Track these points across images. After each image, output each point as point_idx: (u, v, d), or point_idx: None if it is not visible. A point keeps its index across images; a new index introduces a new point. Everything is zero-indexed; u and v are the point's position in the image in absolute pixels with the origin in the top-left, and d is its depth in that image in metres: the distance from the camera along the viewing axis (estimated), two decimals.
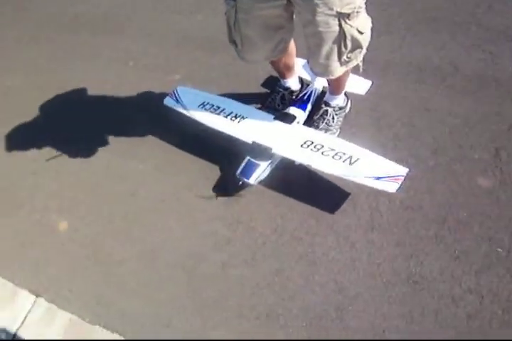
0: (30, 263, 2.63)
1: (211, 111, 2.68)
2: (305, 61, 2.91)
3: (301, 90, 2.94)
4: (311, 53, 2.24)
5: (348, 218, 2.42)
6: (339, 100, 2.76)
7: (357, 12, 2.02)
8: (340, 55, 2.16)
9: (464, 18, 3.18)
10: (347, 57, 2.19)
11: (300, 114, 2.70)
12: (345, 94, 2.80)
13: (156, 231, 2.59)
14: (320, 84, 2.86)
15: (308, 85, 2.91)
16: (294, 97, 2.91)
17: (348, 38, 2.08)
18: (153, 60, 3.52)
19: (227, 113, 2.67)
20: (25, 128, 3.17)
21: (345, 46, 2.12)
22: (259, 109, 2.86)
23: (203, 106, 2.72)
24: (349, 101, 2.82)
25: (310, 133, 2.58)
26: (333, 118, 2.73)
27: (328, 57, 2.17)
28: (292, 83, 2.91)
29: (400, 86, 2.92)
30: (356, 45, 2.15)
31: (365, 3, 2.06)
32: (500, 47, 2.96)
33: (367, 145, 2.44)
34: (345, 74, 2.49)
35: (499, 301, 2.07)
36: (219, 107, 2.70)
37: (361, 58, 2.28)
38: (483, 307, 2.07)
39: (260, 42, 2.31)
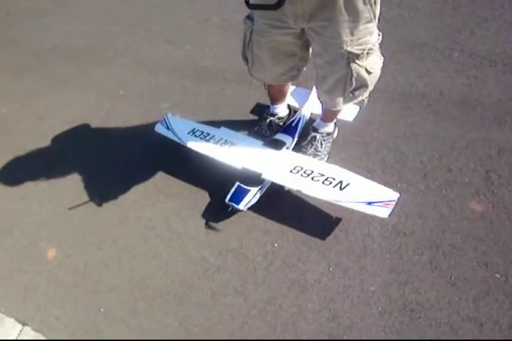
0: (17, 291, 2.39)
1: (201, 138, 2.54)
2: (293, 88, 2.81)
3: (289, 117, 2.78)
4: (318, 82, 2.16)
5: (340, 244, 2.22)
6: (327, 127, 2.61)
7: (367, 53, 1.94)
8: (344, 90, 2.08)
9: (446, 44, 3.07)
10: (351, 93, 2.10)
11: (288, 141, 2.54)
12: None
13: (145, 258, 2.37)
14: (308, 111, 2.71)
15: (296, 112, 2.75)
16: (282, 124, 2.75)
17: (354, 76, 1.98)
18: (144, 89, 3.35)
19: (216, 139, 2.52)
20: (16, 154, 2.96)
21: (350, 84, 2.03)
22: (248, 135, 2.69)
23: (192, 132, 2.58)
24: (336, 127, 2.67)
25: (299, 158, 2.42)
26: (321, 144, 2.57)
27: (332, 90, 2.09)
28: (280, 109, 2.75)
29: (385, 112, 2.77)
30: (361, 84, 2.06)
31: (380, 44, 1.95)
32: (484, 72, 2.84)
33: (355, 170, 2.28)
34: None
35: (500, 329, 1.87)
36: (209, 134, 2.56)
37: (367, 95, 2.18)
38: (484, 335, 1.87)
39: (269, 65, 2.21)
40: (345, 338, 1.96)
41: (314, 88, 2.65)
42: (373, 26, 1.86)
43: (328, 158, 2.57)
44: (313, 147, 2.57)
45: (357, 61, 1.92)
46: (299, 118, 2.67)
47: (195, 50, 3.56)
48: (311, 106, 2.69)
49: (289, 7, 1.83)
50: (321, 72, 2.07)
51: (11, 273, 2.47)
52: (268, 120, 2.75)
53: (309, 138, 2.60)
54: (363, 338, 1.95)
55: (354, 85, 2.02)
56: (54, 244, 2.53)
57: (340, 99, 2.13)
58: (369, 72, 2.00)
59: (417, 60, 3.03)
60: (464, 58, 2.95)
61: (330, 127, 2.62)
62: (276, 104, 2.74)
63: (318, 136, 2.58)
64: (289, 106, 2.83)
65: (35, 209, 2.69)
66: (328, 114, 2.54)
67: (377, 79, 2.10)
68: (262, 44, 2.11)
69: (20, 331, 2.28)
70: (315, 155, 2.55)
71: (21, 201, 2.75)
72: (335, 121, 2.62)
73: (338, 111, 2.48)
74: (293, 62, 2.21)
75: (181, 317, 2.14)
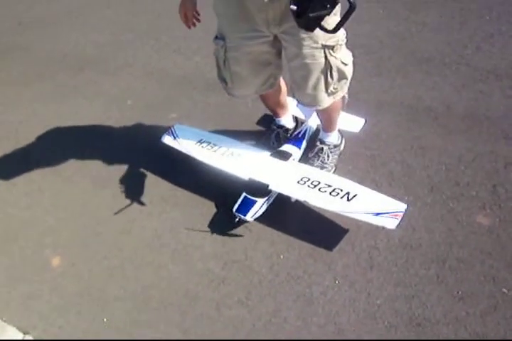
0: (19, 299, 2.35)
1: (208, 149, 2.51)
2: None
3: (295, 128, 2.76)
4: (298, 86, 2.16)
5: (346, 256, 2.17)
6: (333, 138, 2.58)
7: (340, 45, 2.01)
8: (327, 85, 2.11)
9: (453, 59, 3.05)
10: (333, 88, 2.14)
11: (295, 152, 2.51)
12: (339, 131, 2.61)
13: (150, 268, 2.32)
14: (314, 122, 2.68)
15: (302, 124, 2.72)
16: (288, 135, 2.73)
17: (334, 69, 2.05)
18: (152, 99, 3.34)
19: (223, 150, 2.49)
20: (23, 161, 2.96)
21: (332, 77, 2.08)
22: (255, 146, 2.66)
23: (199, 143, 2.54)
24: (343, 139, 2.64)
25: (306, 169, 2.39)
26: (328, 156, 2.54)
27: (315, 87, 2.10)
28: (286, 121, 2.74)
29: (392, 125, 2.74)
30: (341, 76, 2.12)
31: (346, 38, 2.02)
32: (490, 86, 2.82)
33: (362, 183, 2.25)
34: (335, 111, 2.41)
35: None
36: (215, 144, 2.53)
37: (346, 89, 2.23)
38: None
39: (250, 78, 2.22)
40: None
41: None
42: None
43: (335, 170, 2.54)
44: (320, 159, 2.54)
45: (333, 53, 1.99)
46: (306, 130, 2.65)
47: (204, 61, 3.56)
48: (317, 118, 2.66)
49: (259, 15, 1.88)
50: (301, 73, 2.08)
51: (15, 281, 2.43)
52: (275, 131, 2.73)
53: (316, 150, 2.58)
54: None
55: (336, 78, 2.07)
56: (59, 252, 2.49)
57: (324, 96, 2.14)
58: (345, 64, 2.07)
59: (424, 74, 3.01)
60: (471, 72, 2.93)
61: (334, 137, 2.59)
62: (279, 117, 2.73)
63: (325, 147, 2.56)
64: (295, 118, 2.81)
65: (40, 218, 2.66)
66: (325, 122, 2.53)
67: (352, 71, 2.15)
68: (239, 59, 2.13)
69: (22, 339, 2.23)
70: (322, 167, 2.52)
71: (27, 209, 2.73)
72: (337, 130, 2.59)
73: (333, 119, 2.48)
74: (270, 70, 2.24)
75: (185, 329, 2.09)
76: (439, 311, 1.93)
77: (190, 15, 2.11)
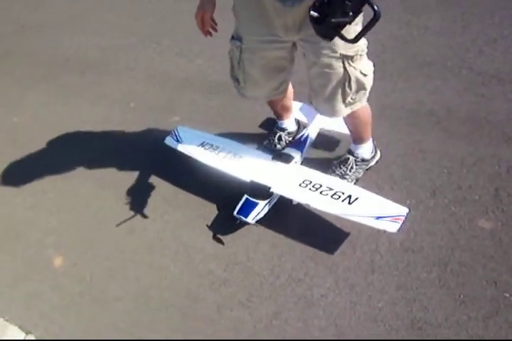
0: (22, 299, 2.35)
1: (210, 151, 2.50)
2: (301, 104, 2.78)
3: (297, 132, 2.75)
4: (315, 94, 2.10)
5: (348, 259, 2.16)
6: (364, 151, 2.48)
7: (360, 55, 1.93)
8: (344, 96, 2.03)
9: (455, 62, 3.03)
10: (351, 99, 2.06)
11: (297, 155, 2.48)
12: (375, 146, 2.53)
13: (151, 270, 2.32)
14: (316, 126, 2.64)
15: (305, 127, 2.69)
16: (291, 138, 2.72)
17: (353, 79, 1.97)
18: (154, 102, 3.34)
19: (225, 152, 2.48)
20: (27, 163, 2.96)
21: (350, 87, 2.00)
22: (257, 149, 2.66)
23: (202, 145, 2.53)
24: (377, 154, 2.55)
25: (308, 172, 2.36)
26: (351, 168, 2.45)
27: (332, 97, 2.03)
28: (289, 124, 2.73)
29: (393, 128, 2.72)
30: (360, 87, 2.03)
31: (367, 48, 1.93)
32: (492, 90, 2.79)
33: (364, 187, 2.24)
34: (361, 122, 2.32)
35: None
36: (218, 147, 2.52)
37: (365, 100, 2.15)
38: None
39: (262, 82, 2.19)
40: None
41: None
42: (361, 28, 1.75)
43: (355, 182, 2.46)
44: (343, 169, 2.46)
45: (352, 64, 1.91)
46: (308, 133, 2.62)
47: (207, 64, 3.57)
48: (320, 121, 2.63)
49: (278, 20, 1.83)
50: (319, 82, 2.02)
51: (17, 281, 2.44)
52: (278, 134, 2.72)
53: (342, 159, 2.51)
54: None
55: (354, 88, 2.00)
56: (61, 252, 2.50)
57: (341, 106, 2.07)
58: (364, 75, 1.99)
59: (426, 78, 2.99)
60: (473, 76, 2.91)
61: (366, 151, 2.49)
62: (282, 120, 2.71)
63: (351, 159, 2.47)
64: (298, 121, 2.80)
65: (43, 218, 2.67)
66: (353, 133, 2.44)
67: (371, 82, 2.07)
68: (254, 62, 2.09)
69: (24, 338, 2.24)
70: (342, 177, 2.44)
71: (30, 209, 2.74)
72: (373, 144, 2.49)
73: (361, 129, 2.37)
74: (283, 76, 2.21)
75: (185, 330, 2.08)
76: (440, 315, 1.92)
77: (207, 18, 2.03)
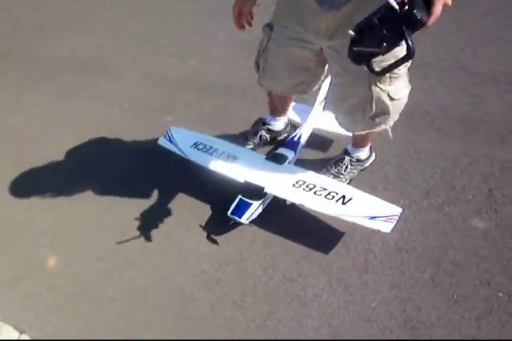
0: (16, 299, 2.32)
1: (203, 151, 2.49)
2: (294, 104, 2.75)
3: (291, 132, 2.72)
4: (335, 104, 2.05)
5: (341, 259, 2.15)
6: (360, 153, 2.48)
7: (391, 77, 1.77)
8: (363, 115, 1.91)
9: (450, 63, 3.04)
10: (372, 119, 1.93)
11: (291, 155, 2.46)
12: (371, 148, 2.52)
13: (145, 270, 2.30)
14: (309, 126, 2.63)
15: (297, 127, 2.67)
16: (271, 136, 2.73)
17: (374, 100, 1.82)
18: (148, 102, 3.33)
19: (219, 153, 2.47)
20: (22, 163, 2.91)
21: (370, 109, 1.86)
22: (250, 149, 2.66)
23: (195, 146, 2.52)
24: (372, 155, 2.54)
25: (302, 172, 2.34)
26: (346, 167, 2.44)
27: (351, 112, 1.95)
28: (277, 122, 2.70)
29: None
30: (382, 110, 1.89)
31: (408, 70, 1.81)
32: (487, 91, 2.80)
33: (358, 187, 2.22)
34: (368, 133, 2.20)
35: None
36: (211, 147, 2.50)
37: (391, 124, 2.01)
38: None
39: (282, 77, 2.13)
40: None
41: (317, 104, 2.63)
42: (400, 50, 1.45)
43: (349, 182, 2.46)
44: (338, 168, 2.45)
45: (379, 84, 1.77)
46: (302, 133, 2.60)
47: (201, 65, 3.56)
48: (313, 122, 2.63)
49: (311, 21, 1.75)
50: (340, 93, 1.95)
51: (11, 281, 2.41)
52: (260, 130, 2.70)
53: (338, 158, 2.50)
54: None
55: (374, 111, 1.86)
56: (55, 252, 2.47)
57: (359, 124, 1.98)
58: (392, 99, 1.84)
59: (421, 78, 2.96)
60: (467, 77, 2.92)
61: (362, 153, 2.48)
62: (277, 116, 2.69)
63: (346, 158, 2.46)
64: (289, 123, 2.78)
65: (38, 218, 2.64)
66: (354, 140, 2.42)
67: (401, 108, 1.95)
68: (279, 54, 2.04)
69: (18, 338, 2.21)
70: (336, 177, 2.44)
71: (25, 210, 2.70)
72: (369, 147, 2.48)
73: (366, 137, 2.32)
74: (305, 76, 2.13)
75: (179, 330, 2.07)
76: (433, 314, 1.92)
77: (245, 11, 1.93)
